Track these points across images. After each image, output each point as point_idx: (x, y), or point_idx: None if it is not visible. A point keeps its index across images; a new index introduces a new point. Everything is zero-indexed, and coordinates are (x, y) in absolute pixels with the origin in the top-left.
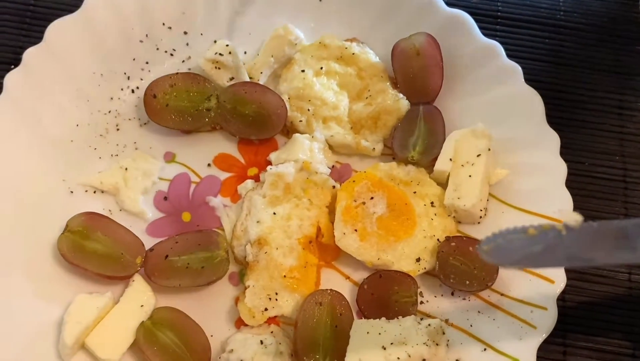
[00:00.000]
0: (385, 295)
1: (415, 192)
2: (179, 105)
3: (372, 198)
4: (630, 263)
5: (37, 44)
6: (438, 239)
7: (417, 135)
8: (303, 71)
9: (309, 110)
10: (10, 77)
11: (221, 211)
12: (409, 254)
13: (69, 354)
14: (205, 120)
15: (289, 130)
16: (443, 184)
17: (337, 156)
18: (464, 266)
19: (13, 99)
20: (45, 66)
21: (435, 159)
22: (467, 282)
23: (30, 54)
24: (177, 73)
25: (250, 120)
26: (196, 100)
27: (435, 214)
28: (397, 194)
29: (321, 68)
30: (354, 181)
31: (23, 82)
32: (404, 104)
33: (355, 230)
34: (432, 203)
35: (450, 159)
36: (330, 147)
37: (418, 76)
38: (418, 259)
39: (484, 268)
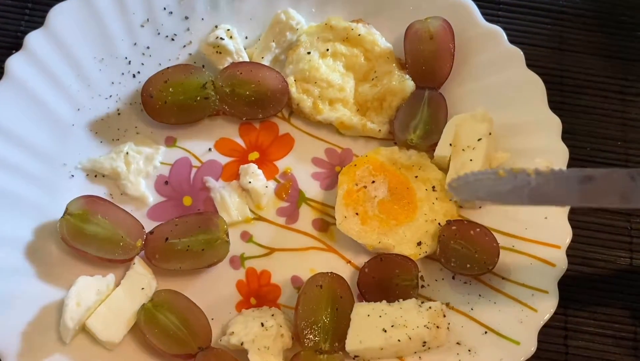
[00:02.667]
0: (386, 278)
1: (416, 176)
2: (176, 100)
3: (373, 182)
4: (591, 205)
5: (39, 29)
6: (439, 223)
7: (419, 119)
8: (309, 52)
9: (315, 92)
10: (12, 61)
11: (215, 192)
12: (410, 238)
13: (69, 336)
14: (206, 109)
15: (294, 112)
16: (444, 169)
17: (340, 139)
18: (465, 249)
19: (14, 83)
20: (47, 50)
21: (434, 145)
22: (468, 265)
23: (31, 38)
24: (167, 68)
25: (253, 100)
26: (193, 91)
27: (436, 199)
28: (398, 178)
29: (327, 50)
30: (355, 165)
31: (24, 66)
32: (409, 85)
33: (357, 214)
34: (433, 187)
35: (451, 144)
36: (337, 129)
37: (428, 59)
38: (419, 243)
39: (485, 252)
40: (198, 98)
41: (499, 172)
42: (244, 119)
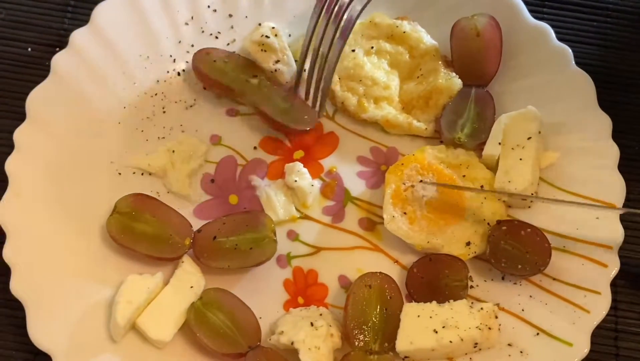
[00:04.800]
0: (435, 279)
1: (464, 175)
2: (223, 67)
3: (421, 181)
4: None
5: (84, 26)
6: (488, 223)
7: (466, 117)
8: (353, 50)
9: (360, 90)
10: (58, 59)
11: (261, 190)
12: (459, 238)
13: (120, 334)
14: (244, 92)
15: (339, 110)
16: (493, 168)
17: (385, 138)
18: (516, 250)
19: (61, 81)
20: (92, 48)
21: (482, 144)
22: (519, 266)
23: (77, 36)
24: (234, 52)
25: (284, 109)
26: (243, 72)
27: (485, 198)
28: (446, 177)
29: (372, 47)
30: (402, 164)
31: (71, 64)
32: (456, 83)
33: (405, 213)
34: (481, 186)
35: (499, 143)
36: (382, 127)
37: (475, 57)
38: (468, 243)
39: (536, 252)
40: (241, 76)
41: None
42: (268, 117)
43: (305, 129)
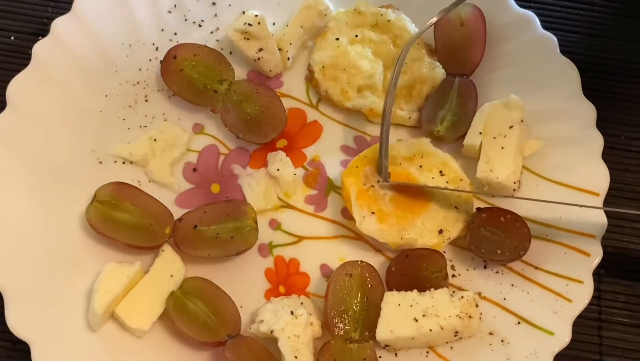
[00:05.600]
0: (414, 274)
1: (421, 166)
2: (191, 75)
3: (378, 181)
4: None
5: (66, 14)
6: (456, 206)
7: (447, 108)
8: (337, 39)
9: (344, 79)
10: (39, 47)
11: (243, 179)
12: (430, 227)
13: (98, 323)
14: (207, 99)
15: (323, 99)
16: (474, 158)
17: (369, 127)
18: (496, 236)
19: (42, 69)
20: (74, 36)
21: (462, 136)
22: (499, 251)
23: (59, 24)
24: (205, 46)
25: (247, 119)
26: (209, 78)
27: (447, 182)
28: (400, 175)
29: (356, 36)
30: (357, 167)
31: (52, 52)
32: (439, 72)
33: (373, 213)
34: (440, 172)
35: (481, 132)
36: (366, 116)
37: (459, 46)
38: (440, 231)
39: (515, 237)
40: (207, 86)
41: None
42: (227, 128)
43: (267, 141)
